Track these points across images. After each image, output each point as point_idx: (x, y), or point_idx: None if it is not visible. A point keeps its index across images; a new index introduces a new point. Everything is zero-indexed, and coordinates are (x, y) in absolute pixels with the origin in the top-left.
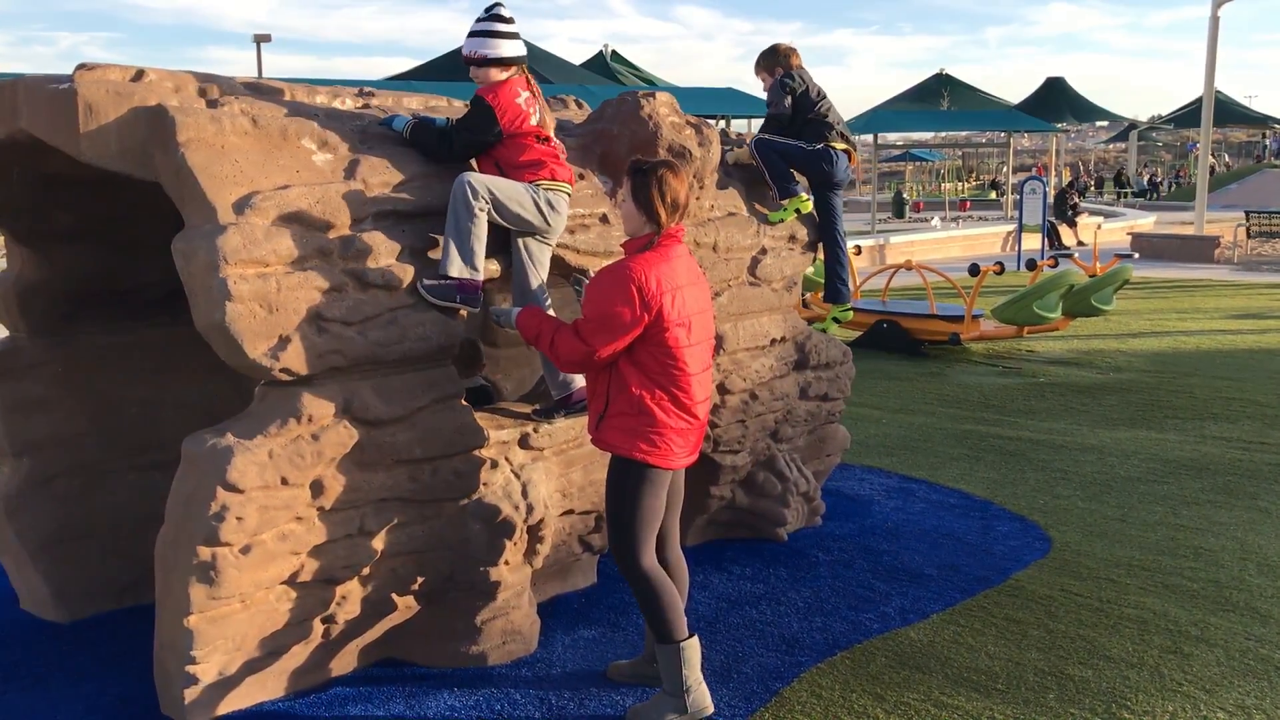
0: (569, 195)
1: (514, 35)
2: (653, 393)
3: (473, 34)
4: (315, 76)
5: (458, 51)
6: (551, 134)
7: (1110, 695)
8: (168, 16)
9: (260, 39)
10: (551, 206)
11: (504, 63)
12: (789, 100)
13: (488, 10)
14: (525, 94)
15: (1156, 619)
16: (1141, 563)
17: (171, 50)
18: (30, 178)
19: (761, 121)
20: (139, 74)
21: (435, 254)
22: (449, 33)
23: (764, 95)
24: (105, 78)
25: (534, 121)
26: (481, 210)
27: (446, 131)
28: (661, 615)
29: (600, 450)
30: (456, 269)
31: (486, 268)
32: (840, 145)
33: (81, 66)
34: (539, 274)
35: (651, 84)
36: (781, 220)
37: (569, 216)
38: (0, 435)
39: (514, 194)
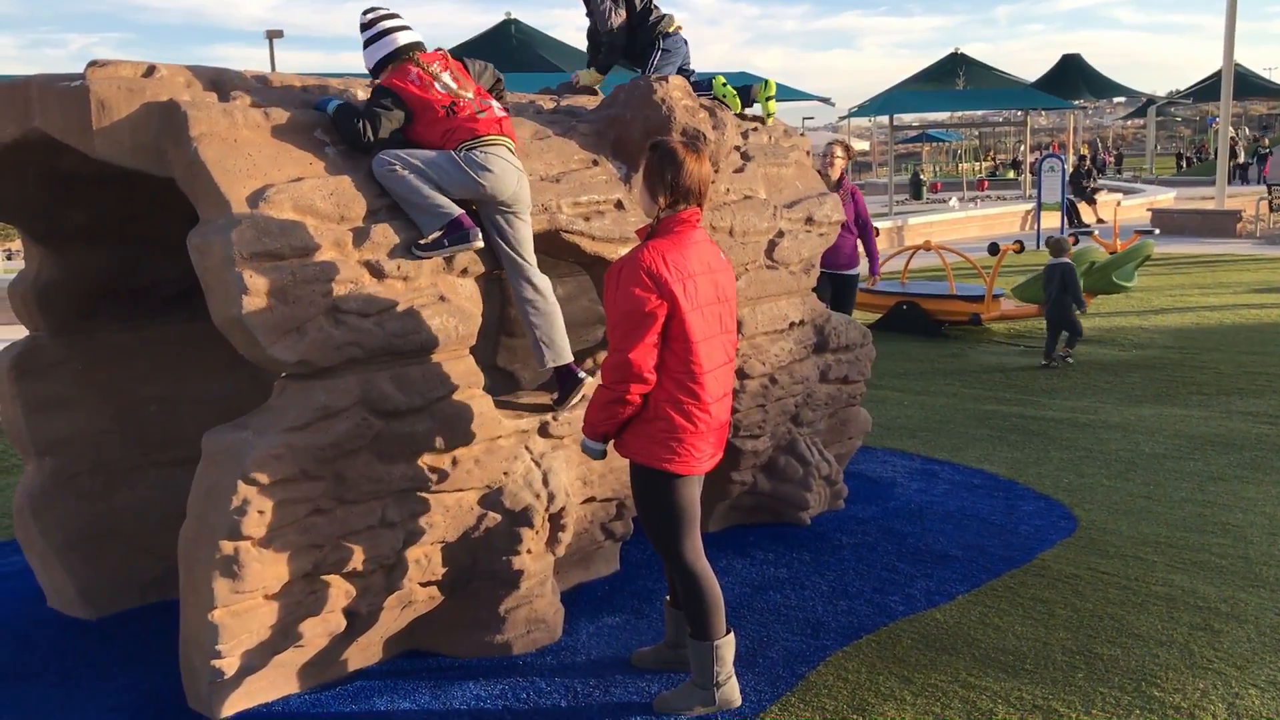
0: (506, 147)
1: (383, 33)
2: (673, 396)
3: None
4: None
5: (466, 44)
6: (464, 96)
7: (1140, 673)
8: (176, 16)
9: (272, 34)
10: (479, 165)
11: (391, 60)
12: (620, 14)
13: (360, 23)
14: (415, 71)
15: (1185, 596)
16: (1169, 540)
17: (182, 49)
18: (45, 177)
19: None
20: (150, 70)
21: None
22: (456, 25)
23: (770, 76)
24: (117, 74)
25: (439, 91)
26: (405, 167)
27: (361, 113)
28: (703, 612)
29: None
30: (430, 224)
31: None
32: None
33: (93, 64)
34: (524, 255)
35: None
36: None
37: (585, 203)
38: (24, 434)
39: (429, 160)
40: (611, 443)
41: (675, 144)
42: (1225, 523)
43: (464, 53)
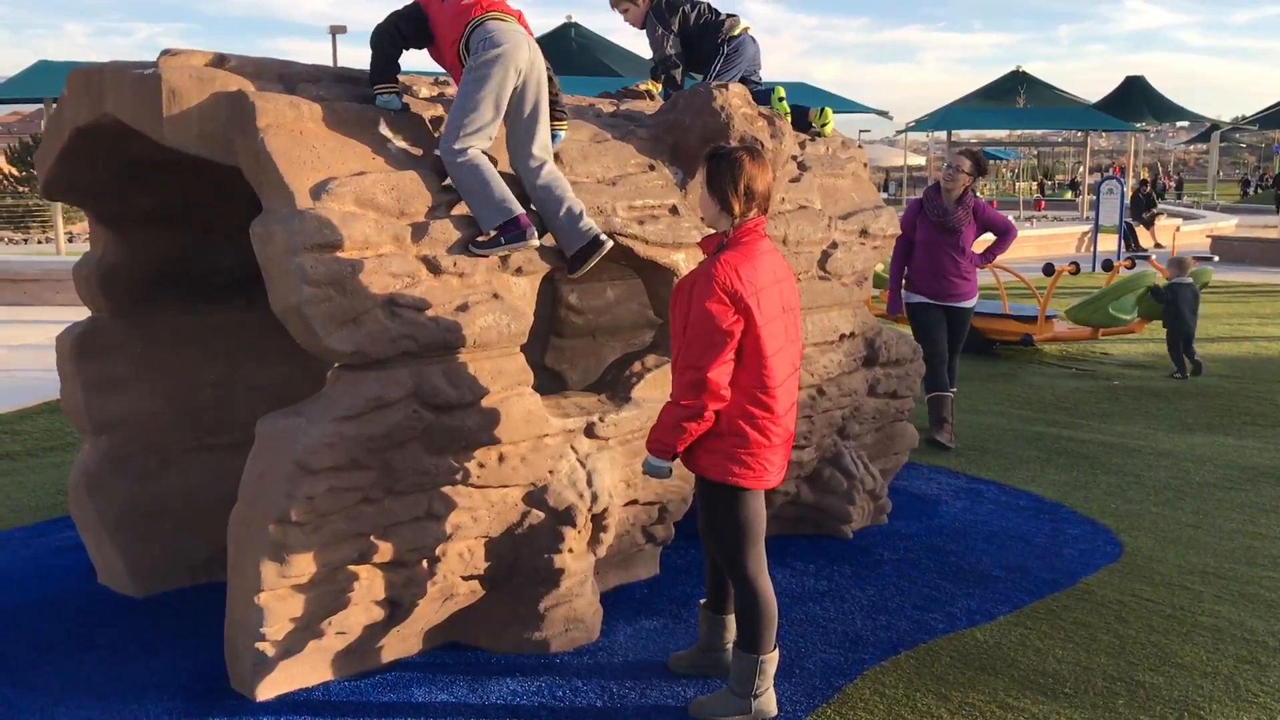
0: (504, 22)
1: None
2: (745, 410)
3: None
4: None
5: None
6: None
7: (1182, 703)
8: (241, 8)
9: (336, 30)
10: (488, 43)
11: None
12: (672, 36)
13: None
14: None
15: (1232, 628)
16: (1217, 570)
17: (245, 41)
18: (114, 162)
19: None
20: (221, 60)
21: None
22: None
23: (826, 88)
24: (189, 63)
25: None
26: (470, 151)
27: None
28: (756, 626)
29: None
30: (490, 219)
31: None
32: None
33: (166, 52)
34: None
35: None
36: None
37: (640, 207)
38: (81, 413)
39: (472, 99)
40: (684, 464)
41: (740, 151)
42: (1277, 556)
43: None
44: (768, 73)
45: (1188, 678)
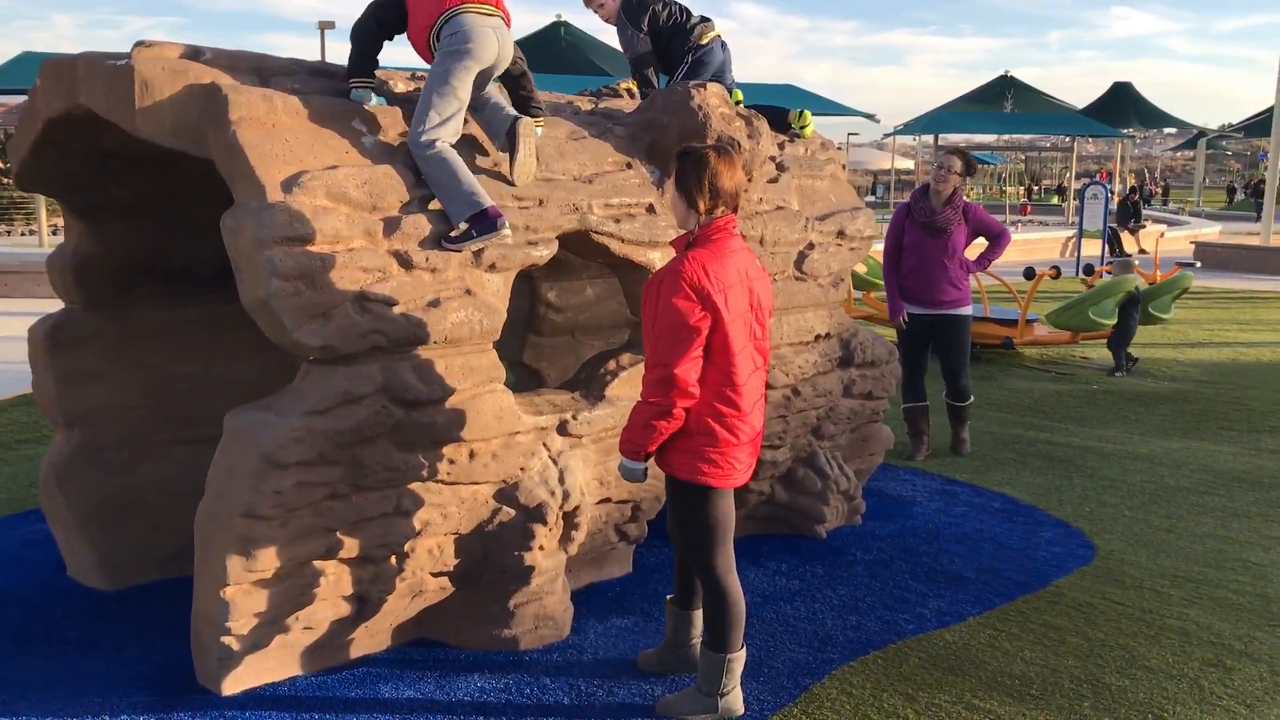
0: (479, 14)
1: None
2: (714, 408)
3: None
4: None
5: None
6: None
7: (1147, 706)
8: (232, 3)
9: (324, 25)
10: (457, 37)
11: None
12: (641, 35)
13: None
14: None
15: (1200, 631)
16: (1187, 574)
17: (235, 36)
18: (88, 153)
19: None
20: (195, 52)
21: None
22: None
23: (808, 89)
24: (162, 55)
25: None
26: (439, 144)
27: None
28: (723, 625)
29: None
30: (459, 212)
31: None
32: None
33: (140, 44)
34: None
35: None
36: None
37: (616, 205)
38: (54, 405)
39: (438, 92)
40: (656, 463)
41: (705, 149)
42: (1246, 560)
43: None
44: (758, 76)
45: (1154, 680)
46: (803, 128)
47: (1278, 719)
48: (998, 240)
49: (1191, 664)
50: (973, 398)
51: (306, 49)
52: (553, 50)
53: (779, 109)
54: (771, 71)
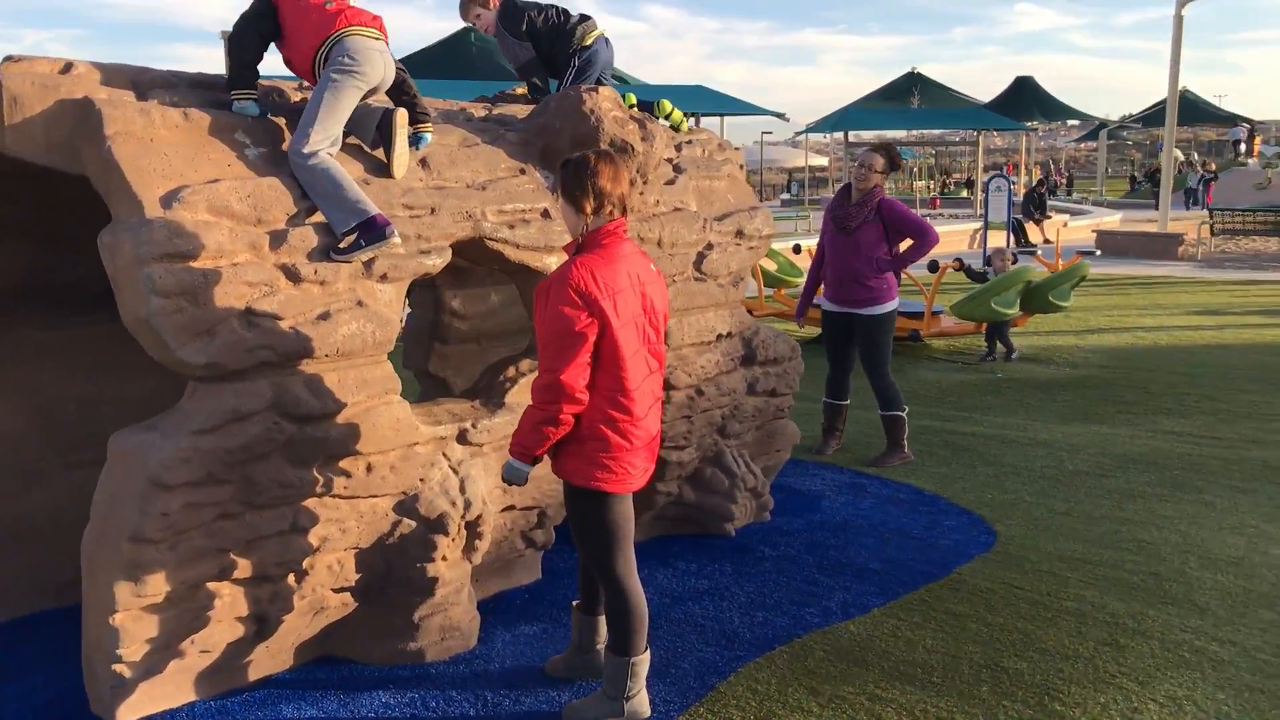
0: (365, 38)
1: None
2: (606, 414)
3: None
4: (271, 74)
5: (425, 51)
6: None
7: (1043, 687)
8: (134, 14)
9: (226, 35)
10: (348, 59)
11: None
12: (521, 43)
13: None
14: None
15: (1095, 611)
16: (1084, 556)
17: (137, 48)
18: None
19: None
20: (68, 66)
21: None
22: (415, 32)
23: (730, 93)
24: (32, 70)
25: None
26: (320, 154)
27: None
28: (627, 630)
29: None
30: (343, 220)
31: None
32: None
33: (8, 59)
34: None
35: (624, 81)
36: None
37: (510, 211)
38: None
39: (326, 107)
40: (548, 461)
41: (589, 154)
42: (1140, 540)
43: (423, 60)
44: (671, 77)
45: (1050, 662)
46: (666, 115)
47: (1167, 694)
48: (920, 239)
49: (1087, 644)
50: (902, 411)
51: (211, 60)
52: (464, 56)
53: (644, 103)
54: (685, 73)
